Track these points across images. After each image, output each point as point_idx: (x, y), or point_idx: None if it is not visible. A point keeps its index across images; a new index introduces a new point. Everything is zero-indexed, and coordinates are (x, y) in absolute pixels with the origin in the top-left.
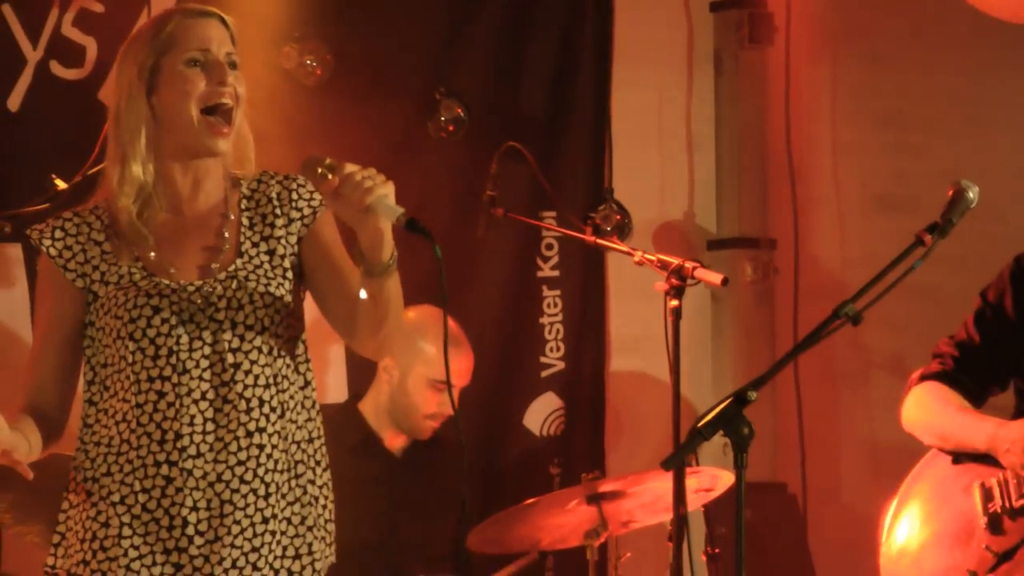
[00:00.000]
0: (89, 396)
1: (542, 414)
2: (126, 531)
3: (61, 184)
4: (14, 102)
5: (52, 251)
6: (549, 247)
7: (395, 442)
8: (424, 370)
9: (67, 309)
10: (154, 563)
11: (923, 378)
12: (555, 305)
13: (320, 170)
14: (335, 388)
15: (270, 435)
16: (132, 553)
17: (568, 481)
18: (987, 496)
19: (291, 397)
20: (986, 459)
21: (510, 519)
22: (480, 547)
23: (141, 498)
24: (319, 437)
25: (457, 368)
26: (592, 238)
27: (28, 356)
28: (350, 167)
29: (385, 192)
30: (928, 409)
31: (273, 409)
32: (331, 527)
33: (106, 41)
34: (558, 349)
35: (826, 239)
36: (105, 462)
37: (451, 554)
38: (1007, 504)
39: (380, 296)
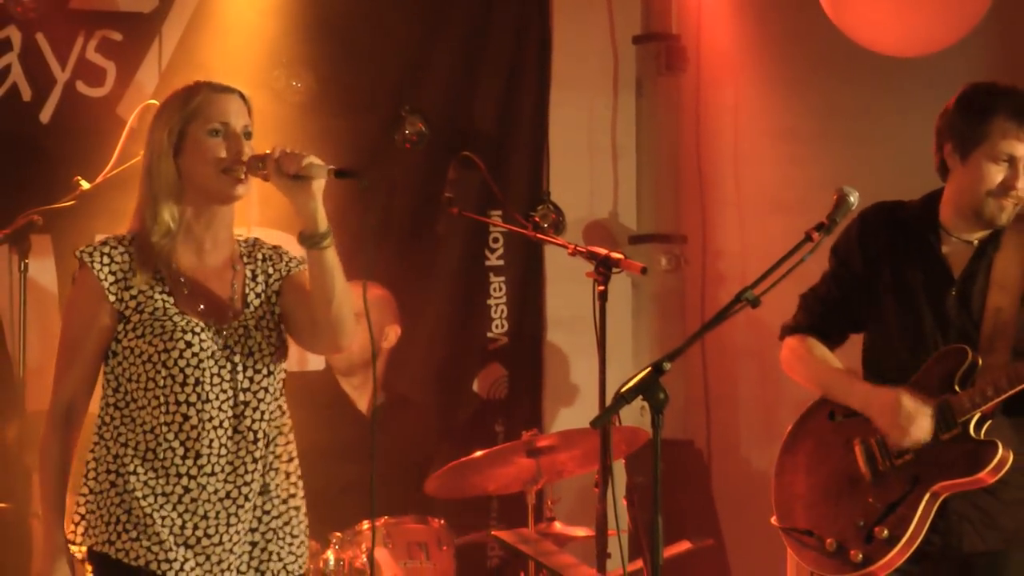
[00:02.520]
0: (114, 401)
1: (488, 381)
2: (148, 520)
3: (85, 184)
4: (46, 115)
5: (101, 274)
6: (496, 240)
7: (361, 403)
8: None
9: (103, 324)
10: (171, 548)
11: (795, 329)
12: (500, 289)
13: (260, 164)
14: (314, 359)
15: (265, 463)
16: (154, 538)
17: (511, 437)
18: (869, 454)
19: (277, 428)
20: (860, 416)
21: (462, 469)
22: (437, 492)
23: (160, 500)
24: (294, 459)
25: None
26: (532, 233)
27: (58, 358)
28: (278, 148)
29: (313, 158)
30: (809, 364)
31: (270, 441)
32: (304, 539)
33: (123, 65)
34: (502, 326)
35: (729, 235)
36: (132, 461)
37: (413, 497)
38: (889, 463)
39: (323, 267)
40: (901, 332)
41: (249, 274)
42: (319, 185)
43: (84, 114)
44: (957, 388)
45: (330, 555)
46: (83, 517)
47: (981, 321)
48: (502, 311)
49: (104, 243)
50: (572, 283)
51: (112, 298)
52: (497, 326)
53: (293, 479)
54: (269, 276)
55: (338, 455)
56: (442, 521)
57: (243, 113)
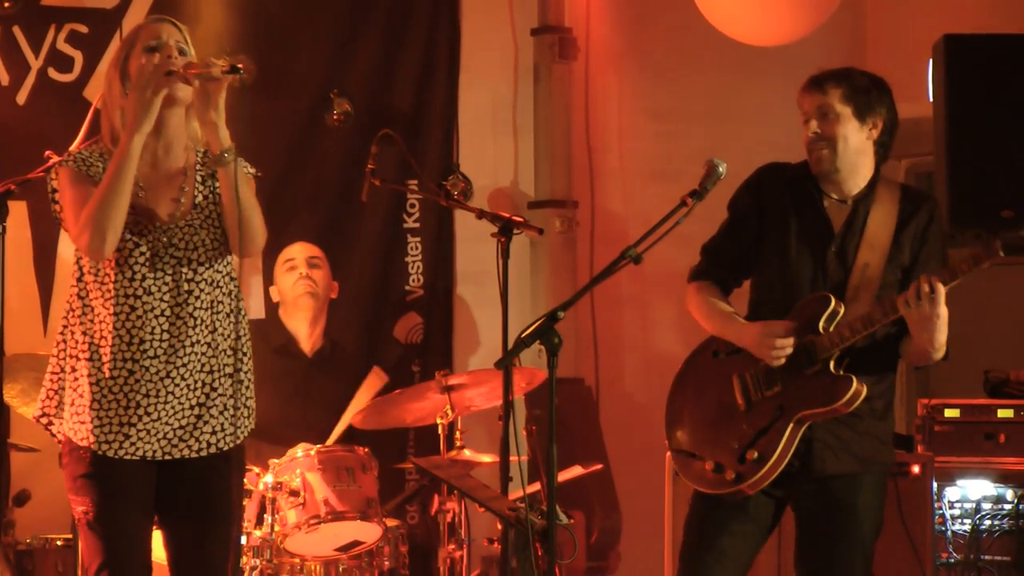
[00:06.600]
0: (77, 291)
1: (406, 327)
2: (94, 405)
3: (55, 157)
4: (21, 98)
5: (80, 168)
6: (412, 206)
7: (306, 345)
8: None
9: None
10: (111, 431)
11: (699, 275)
12: (416, 248)
13: (183, 71)
14: (254, 308)
15: (204, 345)
16: (96, 421)
17: (426, 377)
18: (744, 387)
19: (224, 317)
20: (739, 354)
21: (384, 404)
22: (363, 424)
23: (108, 383)
24: (247, 340)
25: (301, 248)
26: (444, 199)
27: (78, 211)
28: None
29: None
30: (702, 307)
31: (207, 326)
32: (251, 403)
33: (90, 54)
34: (419, 280)
35: (614, 201)
36: (88, 349)
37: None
38: (760, 394)
39: (229, 180)
40: (786, 279)
41: (199, 179)
42: (220, 120)
43: (55, 97)
44: (820, 330)
45: (269, 477)
46: (49, 388)
47: (851, 274)
48: (418, 267)
49: (80, 152)
50: (478, 242)
51: (93, 178)
52: (414, 280)
53: (243, 354)
54: (216, 179)
55: (283, 389)
56: (367, 449)
57: (175, 33)
